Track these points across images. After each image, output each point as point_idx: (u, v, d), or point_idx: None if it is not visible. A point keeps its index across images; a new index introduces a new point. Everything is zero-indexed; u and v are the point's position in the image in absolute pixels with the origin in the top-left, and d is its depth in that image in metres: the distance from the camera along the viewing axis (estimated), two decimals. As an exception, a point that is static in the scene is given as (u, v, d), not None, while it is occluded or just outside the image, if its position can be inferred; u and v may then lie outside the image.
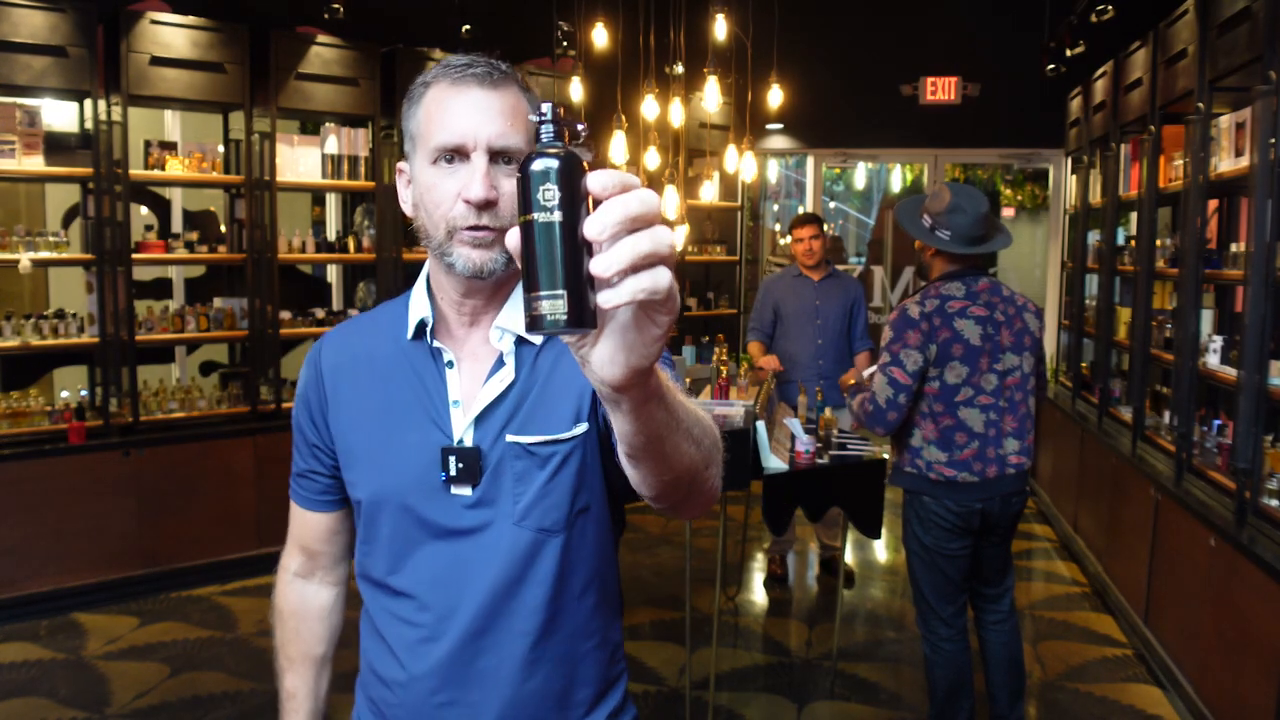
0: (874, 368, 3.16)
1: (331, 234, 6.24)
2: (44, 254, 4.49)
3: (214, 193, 5.79)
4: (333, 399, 1.32)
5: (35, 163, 4.43)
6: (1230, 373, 3.64)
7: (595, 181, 0.64)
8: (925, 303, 3.03)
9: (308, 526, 1.44)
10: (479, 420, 1.20)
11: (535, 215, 0.65)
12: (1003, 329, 3.02)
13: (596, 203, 0.66)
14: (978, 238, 3.03)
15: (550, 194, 0.65)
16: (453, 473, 1.20)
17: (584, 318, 0.65)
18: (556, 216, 0.65)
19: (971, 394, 3.01)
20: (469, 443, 1.20)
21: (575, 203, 0.66)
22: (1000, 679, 3.25)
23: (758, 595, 4.93)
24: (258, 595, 4.72)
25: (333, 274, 6.41)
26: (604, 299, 0.63)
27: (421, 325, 1.25)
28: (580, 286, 0.65)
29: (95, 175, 4.53)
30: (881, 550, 5.71)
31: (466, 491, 1.20)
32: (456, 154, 1.16)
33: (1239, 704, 3.18)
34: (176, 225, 5.66)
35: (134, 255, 4.69)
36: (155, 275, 5.73)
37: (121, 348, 4.67)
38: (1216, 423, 3.92)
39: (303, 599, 1.48)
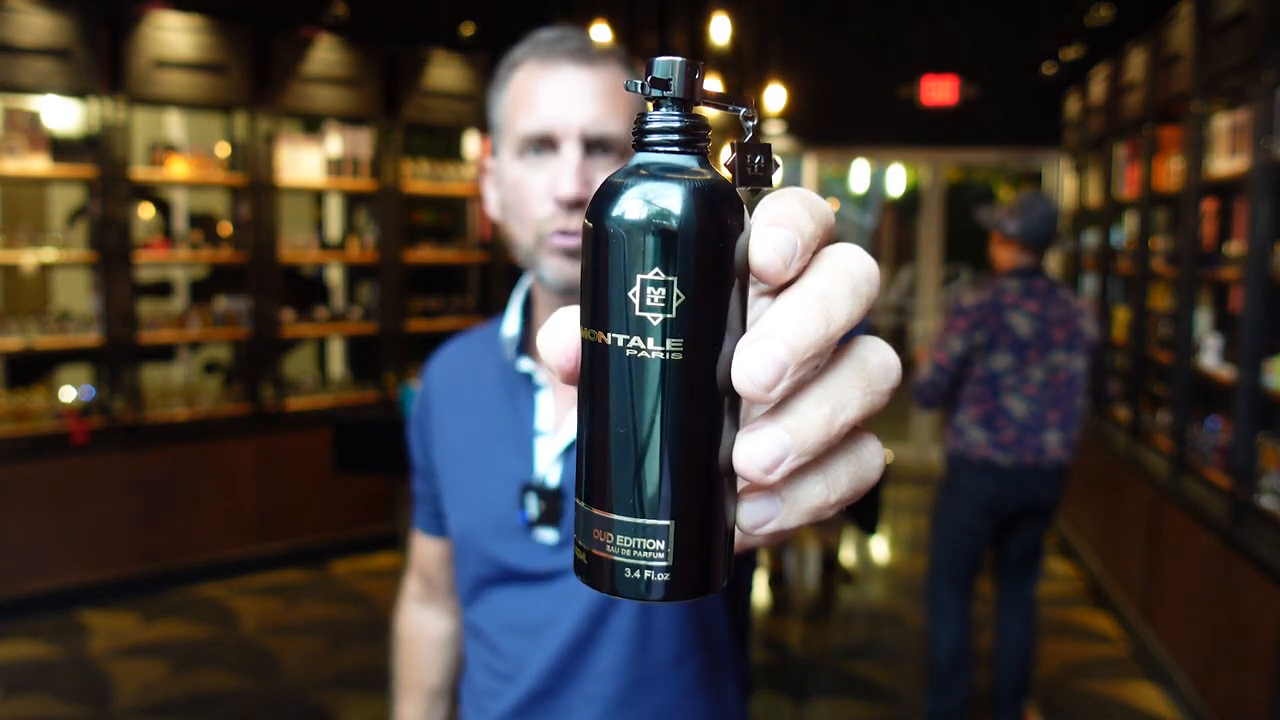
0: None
1: (333, 235, 6.26)
2: (48, 253, 4.52)
3: (217, 193, 5.82)
4: (436, 421, 1.20)
5: (40, 164, 4.45)
6: (1226, 372, 3.67)
7: (773, 244, 0.35)
8: (980, 293, 3.18)
9: (423, 551, 1.32)
10: (568, 451, 1.06)
11: (616, 337, 0.34)
12: (1056, 327, 3.13)
13: (735, 278, 0.35)
14: (1043, 235, 3.18)
15: (661, 292, 0.33)
16: (533, 514, 1.05)
17: (709, 574, 0.36)
18: (670, 348, 0.34)
19: (1015, 383, 3.12)
20: (554, 476, 1.06)
21: (718, 312, 0.34)
22: (1008, 671, 3.32)
23: (756, 593, 4.96)
24: (260, 594, 4.74)
25: (335, 275, 6.44)
26: (754, 516, 0.36)
27: (513, 343, 1.11)
28: (708, 508, 0.35)
29: (99, 176, 4.55)
30: (880, 548, 5.74)
31: (550, 537, 1.06)
32: (545, 144, 0.99)
33: (1235, 701, 3.20)
34: (180, 226, 5.68)
35: (137, 255, 4.71)
36: (158, 276, 5.75)
37: (125, 348, 4.70)
38: (1213, 422, 3.95)
39: (420, 625, 1.36)
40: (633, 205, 0.34)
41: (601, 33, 5.17)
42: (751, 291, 0.38)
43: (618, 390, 0.34)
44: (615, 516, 0.35)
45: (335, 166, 5.33)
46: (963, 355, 3.13)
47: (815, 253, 0.37)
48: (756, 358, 0.33)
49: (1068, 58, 6.13)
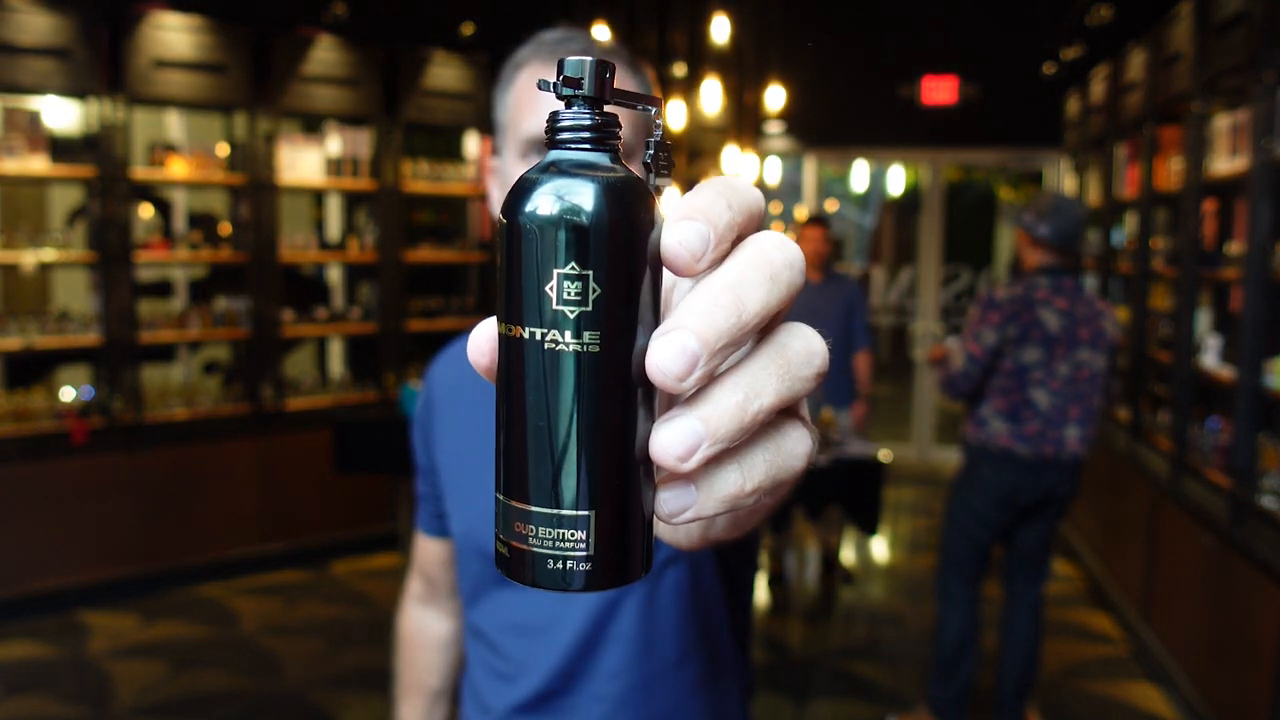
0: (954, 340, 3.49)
1: (333, 235, 6.26)
2: (48, 253, 4.51)
3: (217, 193, 5.82)
4: (438, 421, 1.21)
5: (39, 163, 4.45)
6: (1227, 372, 3.66)
7: (680, 237, 0.34)
8: (1012, 289, 3.25)
9: (425, 551, 1.32)
10: None
11: (534, 331, 0.34)
12: (1081, 325, 3.19)
13: (651, 267, 0.36)
14: (1071, 236, 3.24)
15: (575, 287, 0.34)
16: None
17: (628, 563, 0.36)
18: (587, 340, 0.34)
19: (1042, 377, 3.18)
20: None
21: (633, 305, 0.35)
22: (1013, 671, 3.35)
23: (756, 593, 4.95)
24: (260, 594, 4.74)
25: (335, 275, 6.43)
26: (671, 505, 0.36)
27: None
28: (627, 497, 0.36)
29: (99, 176, 4.55)
30: (880, 548, 5.74)
31: None
32: None
33: (1236, 701, 3.20)
34: (179, 226, 5.68)
35: (137, 255, 4.71)
36: (158, 276, 5.75)
37: (125, 348, 4.70)
38: (1213, 422, 3.94)
39: (420, 626, 1.36)
40: (547, 201, 0.34)
41: (602, 33, 5.16)
42: (686, 284, 0.39)
43: (535, 384, 0.34)
44: (534, 509, 0.35)
45: (335, 166, 5.33)
46: (995, 347, 3.20)
47: (737, 242, 0.37)
48: (667, 349, 0.33)
49: (1068, 58, 6.13)
